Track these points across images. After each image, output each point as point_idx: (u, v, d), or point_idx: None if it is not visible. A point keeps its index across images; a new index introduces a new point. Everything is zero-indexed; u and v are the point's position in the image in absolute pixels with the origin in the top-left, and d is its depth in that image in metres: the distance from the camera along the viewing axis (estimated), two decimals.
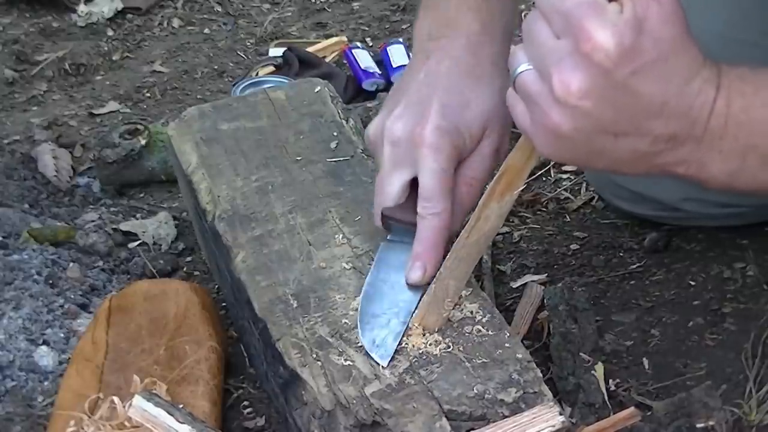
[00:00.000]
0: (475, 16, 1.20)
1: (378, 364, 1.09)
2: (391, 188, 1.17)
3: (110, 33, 2.39)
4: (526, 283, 1.46)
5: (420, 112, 1.15)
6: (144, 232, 1.68)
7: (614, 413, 1.11)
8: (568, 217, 1.63)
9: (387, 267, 1.19)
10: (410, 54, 1.75)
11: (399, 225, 1.19)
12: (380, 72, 2.09)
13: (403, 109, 1.17)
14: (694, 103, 0.93)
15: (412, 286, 1.16)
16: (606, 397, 1.24)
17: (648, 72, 0.90)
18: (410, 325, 1.13)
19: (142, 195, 1.82)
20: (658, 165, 0.98)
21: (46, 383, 1.35)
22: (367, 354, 1.11)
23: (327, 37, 2.29)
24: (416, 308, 1.14)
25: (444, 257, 1.13)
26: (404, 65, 2.07)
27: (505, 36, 1.21)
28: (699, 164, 0.97)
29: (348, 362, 1.11)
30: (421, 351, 1.11)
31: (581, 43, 0.89)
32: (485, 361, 1.09)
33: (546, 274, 1.50)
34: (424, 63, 1.20)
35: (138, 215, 1.75)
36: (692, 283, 1.45)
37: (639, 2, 0.89)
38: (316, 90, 1.55)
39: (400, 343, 1.12)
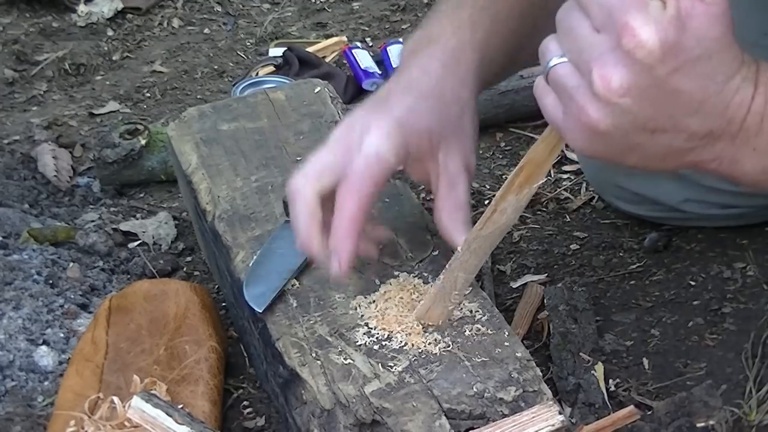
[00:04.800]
0: (455, 31, 1.20)
1: (255, 310, 1.19)
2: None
3: (110, 33, 2.40)
4: (526, 283, 1.46)
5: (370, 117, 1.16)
6: (144, 232, 1.68)
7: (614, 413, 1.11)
8: (568, 217, 1.63)
9: (281, 240, 1.25)
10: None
11: None
12: (380, 72, 2.09)
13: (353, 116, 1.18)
14: (732, 100, 0.93)
15: (299, 253, 1.17)
16: (606, 397, 1.24)
17: (689, 70, 0.89)
18: (412, 322, 1.14)
19: (142, 195, 1.82)
20: (690, 161, 0.97)
21: (46, 383, 1.35)
22: (366, 353, 1.11)
23: (327, 37, 2.29)
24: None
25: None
26: None
27: (484, 53, 1.21)
28: (732, 161, 0.97)
29: (348, 361, 1.11)
30: (420, 350, 1.11)
31: (624, 39, 0.87)
32: (485, 359, 1.09)
33: (546, 274, 1.50)
34: (397, 72, 1.21)
35: (138, 215, 1.75)
36: (692, 283, 1.45)
37: (683, 0, 0.88)
38: (316, 90, 1.55)
39: (394, 340, 1.12)
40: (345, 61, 2.17)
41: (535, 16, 1.24)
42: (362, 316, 1.16)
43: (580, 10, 0.92)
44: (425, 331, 1.13)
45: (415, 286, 1.19)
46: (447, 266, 1.11)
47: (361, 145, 1.13)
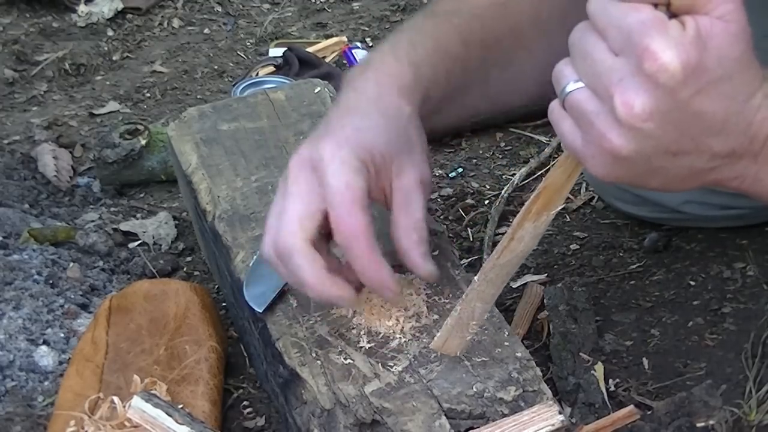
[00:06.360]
0: (392, 50, 1.19)
1: (255, 310, 1.20)
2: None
3: (110, 33, 2.39)
4: (526, 283, 1.46)
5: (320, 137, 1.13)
6: (144, 232, 1.68)
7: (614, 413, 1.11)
8: (568, 217, 1.63)
9: None
10: None
11: None
12: None
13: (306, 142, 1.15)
14: (755, 119, 0.92)
15: None
16: (606, 397, 1.24)
17: (711, 91, 0.88)
18: (405, 320, 1.13)
19: (142, 195, 1.82)
20: (712, 180, 0.96)
21: (46, 383, 1.35)
22: (366, 353, 1.11)
23: (327, 37, 2.29)
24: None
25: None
26: None
27: (421, 68, 1.19)
28: (754, 178, 0.96)
29: (348, 361, 1.11)
30: (420, 350, 1.11)
31: (646, 63, 0.85)
32: (485, 359, 1.10)
33: (546, 274, 1.50)
34: (335, 101, 1.20)
35: (138, 215, 1.75)
36: (692, 283, 1.45)
37: (702, 20, 0.86)
38: (316, 90, 1.55)
39: (393, 340, 1.12)
40: (345, 61, 2.17)
41: (485, 54, 1.24)
42: (356, 313, 1.16)
43: (595, 32, 0.90)
44: (421, 334, 1.13)
45: (411, 284, 1.19)
46: (463, 296, 1.07)
47: (323, 180, 1.09)
